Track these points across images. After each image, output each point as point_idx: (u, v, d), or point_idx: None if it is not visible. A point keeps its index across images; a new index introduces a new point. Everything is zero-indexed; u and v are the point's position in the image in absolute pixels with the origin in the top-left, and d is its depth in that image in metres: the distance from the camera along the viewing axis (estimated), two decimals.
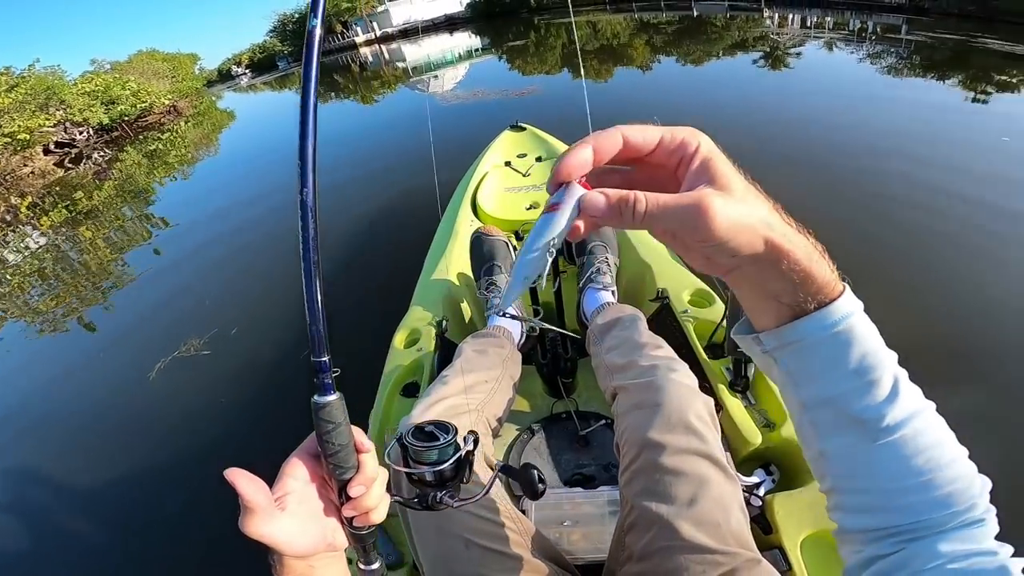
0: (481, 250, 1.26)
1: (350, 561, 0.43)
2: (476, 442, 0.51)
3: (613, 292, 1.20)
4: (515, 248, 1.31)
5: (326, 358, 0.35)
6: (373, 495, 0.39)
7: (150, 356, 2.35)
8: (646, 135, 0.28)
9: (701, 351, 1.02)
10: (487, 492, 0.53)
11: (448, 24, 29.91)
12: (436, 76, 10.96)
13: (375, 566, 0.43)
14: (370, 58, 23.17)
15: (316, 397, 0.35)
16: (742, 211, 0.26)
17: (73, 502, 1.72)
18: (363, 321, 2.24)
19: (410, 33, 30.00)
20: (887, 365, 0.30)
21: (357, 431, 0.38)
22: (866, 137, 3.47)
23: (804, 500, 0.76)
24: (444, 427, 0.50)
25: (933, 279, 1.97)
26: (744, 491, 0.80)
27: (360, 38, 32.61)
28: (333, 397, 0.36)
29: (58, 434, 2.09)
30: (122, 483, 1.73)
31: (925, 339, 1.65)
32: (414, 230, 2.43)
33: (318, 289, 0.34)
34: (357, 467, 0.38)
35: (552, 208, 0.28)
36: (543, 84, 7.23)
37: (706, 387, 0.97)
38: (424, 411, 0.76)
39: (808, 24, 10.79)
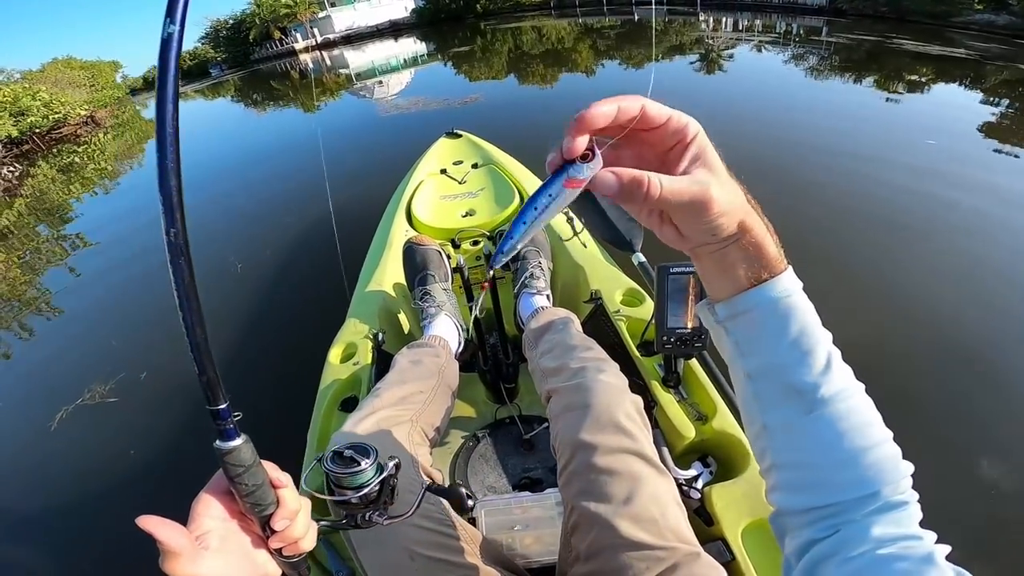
0: (414, 260, 1.24)
1: None
2: (398, 467, 0.51)
3: (548, 296, 1.20)
4: (449, 256, 1.30)
5: (223, 405, 0.33)
6: (299, 525, 0.39)
7: (51, 404, 2.10)
8: (660, 111, 0.29)
9: (634, 349, 1.04)
10: (414, 511, 0.52)
11: (393, 30, 29.46)
12: (381, 82, 10.75)
13: None
14: (311, 65, 22.46)
15: (219, 443, 0.34)
16: (731, 198, 0.30)
17: None
18: (295, 339, 2.16)
19: (353, 39, 29.29)
20: (823, 341, 0.33)
21: (270, 466, 0.38)
22: (791, 131, 3.76)
23: (740, 490, 0.77)
24: (364, 450, 0.49)
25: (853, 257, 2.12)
26: (683, 484, 0.82)
27: (300, 44, 31.53)
28: (238, 441, 0.35)
29: None
30: (25, 543, 1.57)
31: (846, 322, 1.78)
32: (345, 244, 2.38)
33: (204, 338, 0.32)
34: (277, 502, 0.38)
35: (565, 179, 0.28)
36: (487, 91, 7.14)
37: (640, 384, 0.99)
38: (356, 424, 0.74)
39: (740, 27, 11.46)
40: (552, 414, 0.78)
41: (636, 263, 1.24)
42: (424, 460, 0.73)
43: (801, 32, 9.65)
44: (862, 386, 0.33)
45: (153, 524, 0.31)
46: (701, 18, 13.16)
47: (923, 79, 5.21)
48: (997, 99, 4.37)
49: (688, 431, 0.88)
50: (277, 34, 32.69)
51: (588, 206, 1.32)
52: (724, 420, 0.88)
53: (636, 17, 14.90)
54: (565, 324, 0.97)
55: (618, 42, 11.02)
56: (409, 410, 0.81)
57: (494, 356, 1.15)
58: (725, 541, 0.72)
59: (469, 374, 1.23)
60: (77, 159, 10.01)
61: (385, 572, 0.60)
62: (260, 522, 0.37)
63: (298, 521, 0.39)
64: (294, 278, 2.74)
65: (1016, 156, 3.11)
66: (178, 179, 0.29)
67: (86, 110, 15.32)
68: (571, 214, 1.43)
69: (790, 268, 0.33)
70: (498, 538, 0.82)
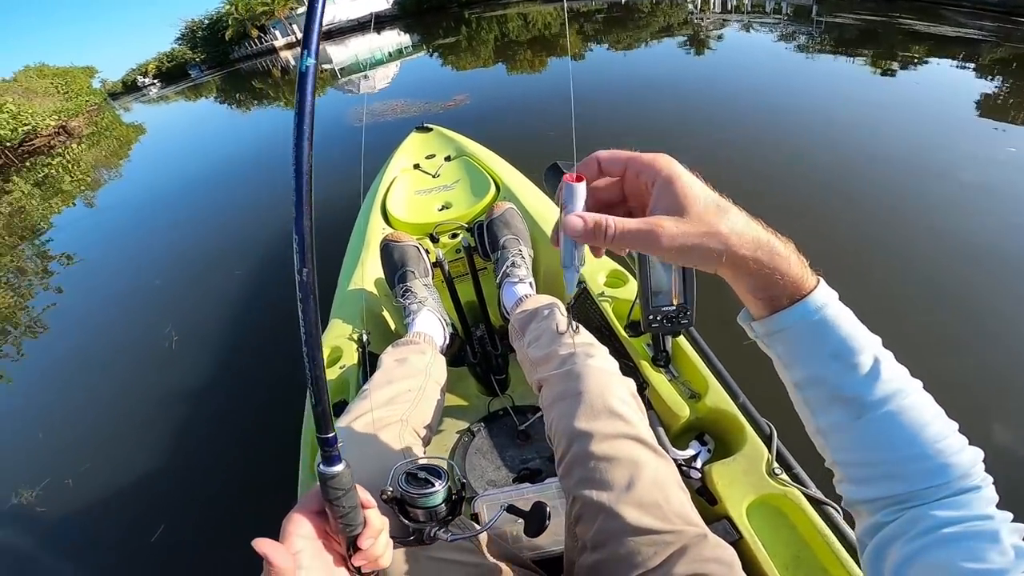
0: (392, 257, 1.21)
1: None
2: (464, 487, 0.53)
3: (531, 283, 1.18)
4: (427, 251, 1.27)
5: (332, 434, 0.36)
6: (380, 544, 0.42)
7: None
8: (614, 161, 0.34)
9: (621, 331, 1.02)
10: (488, 528, 0.55)
11: (375, 22, 28.98)
12: (366, 76, 10.59)
13: None
14: (292, 61, 22.06)
15: (323, 467, 0.37)
16: (691, 232, 0.31)
17: None
18: (276, 345, 2.12)
19: (335, 34, 28.78)
20: (866, 348, 0.33)
21: (360, 489, 0.40)
22: (782, 111, 3.65)
23: (740, 467, 0.75)
24: (436, 472, 0.52)
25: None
26: (683, 464, 0.81)
27: (280, 41, 31.01)
28: (341, 467, 0.37)
29: None
30: None
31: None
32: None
33: (321, 373, 0.35)
34: (364, 522, 0.40)
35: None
36: (473, 88, 6.52)
37: (630, 366, 0.97)
38: (346, 428, 0.72)
39: (728, 7, 11.32)
40: (544, 404, 0.76)
41: None
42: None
43: (790, 11, 9.52)
44: (918, 383, 0.34)
45: (268, 547, 0.35)
46: None
47: (925, 58, 5.02)
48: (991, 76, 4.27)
49: (682, 410, 0.87)
50: (255, 32, 32.10)
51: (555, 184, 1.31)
52: (717, 396, 0.87)
53: (623, 0, 14.70)
54: (550, 311, 0.95)
55: (606, 26, 10.88)
56: (398, 410, 0.79)
57: (482, 348, 1.13)
58: (730, 520, 0.71)
59: (459, 368, 1.21)
60: (52, 171, 9.62)
61: (392, 573, 0.58)
62: (348, 541, 0.40)
63: (380, 540, 0.42)
64: (262, 285, 2.69)
65: None
66: (311, 220, 0.30)
67: (55, 120, 14.83)
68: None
69: (821, 283, 0.34)
70: (503, 532, 0.81)
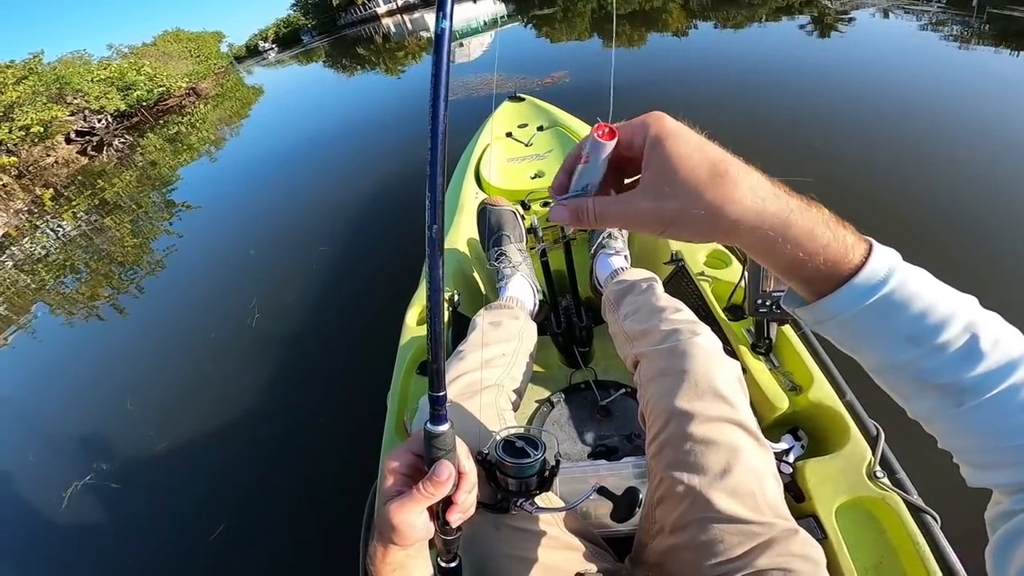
0: (488, 221, 1.23)
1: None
2: (559, 462, 0.53)
3: (626, 256, 1.16)
4: (523, 217, 1.28)
5: (443, 392, 0.37)
6: (471, 499, 0.43)
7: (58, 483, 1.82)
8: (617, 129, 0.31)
9: (720, 313, 0.98)
10: (575, 506, 0.55)
11: None
12: (461, 44, 10.68)
13: (454, 564, 0.46)
14: (393, 29, 22.75)
15: (430, 425, 0.38)
16: (669, 206, 0.28)
17: None
18: (374, 301, 2.21)
19: (431, 1, 29.19)
20: (953, 322, 0.27)
21: (460, 443, 0.41)
22: (936, 123, 2.69)
23: (838, 466, 0.72)
24: (534, 443, 0.52)
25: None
26: (775, 457, 0.77)
27: (382, 8, 32.07)
28: (446, 427, 0.38)
29: None
30: None
31: None
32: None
33: (443, 325, 0.35)
34: (459, 476, 0.41)
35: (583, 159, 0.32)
36: (572, 65, 5.93)
37: (728, 350, 0.92)
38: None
39: None
40: (641, 380, 0.74)
41: None
42: (511, 426, 0.73)
43: None
44: None
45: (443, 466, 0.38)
46: None
47: None
48: None
49: (780, 401, 0.82)
50: None
51: None
52: (821, 391, 0.81)
53: None
54: (649, 285, 0.92)
55: (715, 1, 9.95)
56: (493, 374, 0.81)
57: (567, 319, 1.13)
58: (817, 519, 0.69)
59: (542, 337, 1.21)
60: (182, 129, 10.76)
61: (471, 542, 0.59)
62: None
63: (472, 492, 0.42)
64: (370, 243, 2.84)
65: None
66: (444, 178, 0.31)
67: (186, 82, 16.40)
68: None
69: (874, 253, 0.28)
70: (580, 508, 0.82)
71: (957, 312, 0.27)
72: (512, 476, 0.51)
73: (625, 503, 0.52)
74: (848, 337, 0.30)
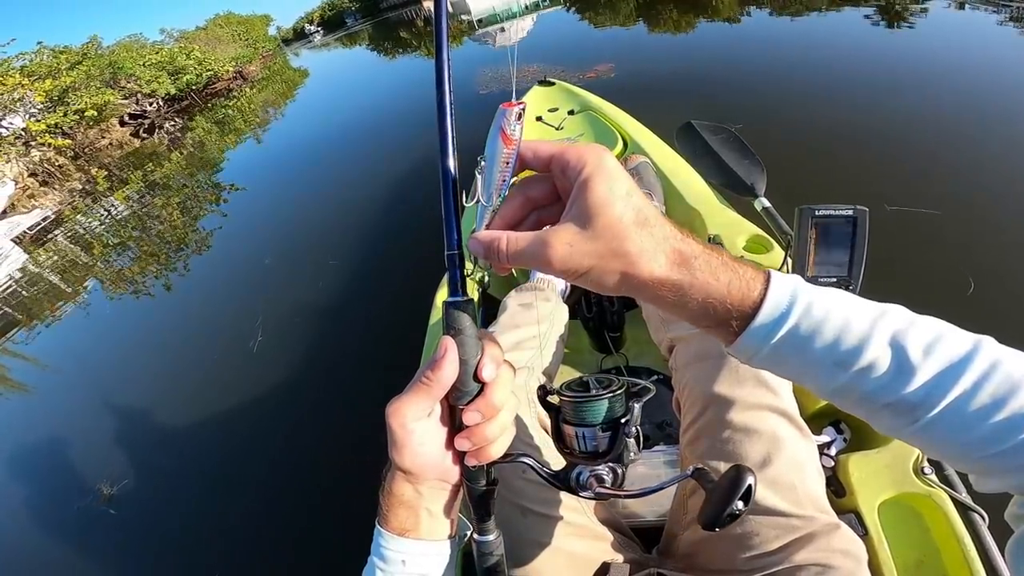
0: None
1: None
2: (630, 414, 0.39)
3: None
4: None
5: (456, 251, 0.32)
6: (493, 427, 0.32)
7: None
8: (538, 155, 0.30)
9: None
10: (654, 492, 0.38)
11: None
12: (503, 29, 10.59)
13: (491, 537, 0.36)
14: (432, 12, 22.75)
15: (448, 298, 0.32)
16: (585, 250, 0.27)
17: None
18: (404, 281, 2.23)
19: None
20: (874, 341, 0.26)
21: (492, 349, 0.32)
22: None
23: (883, 461, 0.70)
24: (607, 384, 0.40)
25: None
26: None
27: None
28: (458, 298, 0.32)
29: None
30: None
31: None
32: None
33: (458, 212, 0.33)
34: (480, 390, 0.32)
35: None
36: (618, 56, 5.30)
37: None
38: None
39: None
40: (677, 364, 0.72)
41: (760, 208, 1.09)
42: (542, 412, 0.71)
43: None
44: (985, 345, 0.26)
45: (449, 352, 0.31)
46: None
47: None
48: None
49: None
50: None
51: (699, 148, 1.20)
52: None
53: None
54: None
55: None
56: (525, 356, 0.80)
57: (599, 303, 1.12)
58: (858, 514, 0.67)
59: (572, 320, 1.21)
60: (229, 111, 11.07)
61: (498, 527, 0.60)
62: (455, 412, 0.33)
63: (496, 421, 0.32)
64: (399, 225, 2.89)
65: None
66: (452, 117, 0.32)
67: (232, 66, 16.66)
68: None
69: (772, 285, 0.27)
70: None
71: (875, 328, 0.27)
72: (574, 424, 0.39)
73: (726, 489, 0.31)
74: (779, 369, 0.29)
